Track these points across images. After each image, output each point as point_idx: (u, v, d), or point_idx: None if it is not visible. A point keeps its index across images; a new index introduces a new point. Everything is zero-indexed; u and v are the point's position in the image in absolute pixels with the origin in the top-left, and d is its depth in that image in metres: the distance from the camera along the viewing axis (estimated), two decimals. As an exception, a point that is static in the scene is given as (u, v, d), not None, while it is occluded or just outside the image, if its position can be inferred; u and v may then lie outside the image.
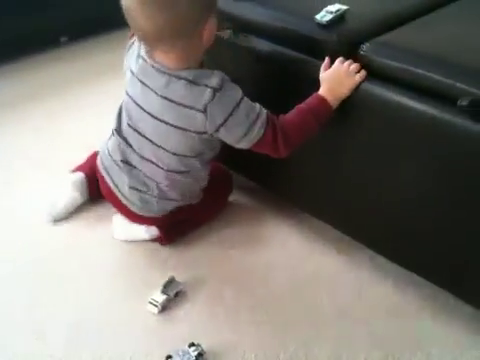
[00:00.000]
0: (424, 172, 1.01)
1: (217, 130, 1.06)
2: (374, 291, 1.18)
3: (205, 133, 1.08)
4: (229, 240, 1.30)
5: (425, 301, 1.14)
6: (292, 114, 1.09)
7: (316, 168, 1.20)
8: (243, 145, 1.09)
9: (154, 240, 1.27)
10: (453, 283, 1.07)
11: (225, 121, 1.05)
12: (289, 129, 1.08)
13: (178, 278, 1.16)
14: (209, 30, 1.04)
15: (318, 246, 1.29)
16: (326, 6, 1.11)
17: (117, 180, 1.22)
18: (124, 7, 1.00)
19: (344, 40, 1.06)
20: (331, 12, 1.08)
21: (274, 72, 1.16)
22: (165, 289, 1.13)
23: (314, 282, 1.20)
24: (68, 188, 1.33)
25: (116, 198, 1.24)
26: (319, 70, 1.08)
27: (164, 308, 1.12)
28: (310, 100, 1.08)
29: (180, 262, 1.24)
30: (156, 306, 1.11)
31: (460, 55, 1.00)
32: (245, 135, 1.06)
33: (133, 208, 1.23)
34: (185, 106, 1.05)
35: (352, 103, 1.06)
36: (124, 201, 1.23)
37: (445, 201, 1.00)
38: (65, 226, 1.34)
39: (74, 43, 2.23)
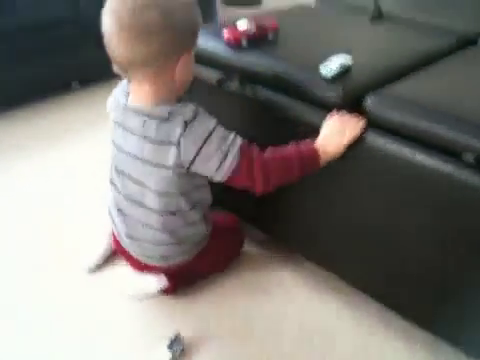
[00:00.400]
0: (425, 222, 1.00)
1: (192, 162, 1.04)
2: (382, 347, 1.16)
3: (182, 167, 1.06)
4: (236, 291, 1.29)
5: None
6: (279, 154, 1.07)
7: (319, 217, 1.20)
8: (220, 177, 1.06)
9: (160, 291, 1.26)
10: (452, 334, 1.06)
11: (198, 152, 1.03)
12: (270, 168, 1.06)
13: (184, 331, 1.14)
14: (183, 67, 1.03)
15: (326, 297, 1.27)
16: (331, 55, 1.12)
17: (120, 229, 1.23)
18: (103, 31, 1.00)
19: (348, 94, 1.07)
20: (336, 65, 1.09)
21: (279, 122, 1.17)
22: (171, 345, 1.11)
23: (322, 335, 1.18)
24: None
25: (123, 249, 1.24)
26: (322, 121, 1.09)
27: (170, 364, 1.10)
28: (303, 147, 1.07)
29: (186, 315, 1.22)
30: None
31: (463, 107, 1.01)
32: (220, 165, 1.04)
33: (137, 257, 1.23)
34: (161, 142, 1.04)
35: (355, 154, 1.06)
36: (129, 251, 1.23)
37: (447, 252, 0.99)
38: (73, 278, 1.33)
39: (85, 88, 2.29)
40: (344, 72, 1.10)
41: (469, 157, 0.86)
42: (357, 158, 1.06)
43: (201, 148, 1.03)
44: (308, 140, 1.08)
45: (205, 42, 1.29)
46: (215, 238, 1.26)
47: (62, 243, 1.42)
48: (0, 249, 1.41)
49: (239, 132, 1.26)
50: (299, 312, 1.24)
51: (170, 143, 1.03)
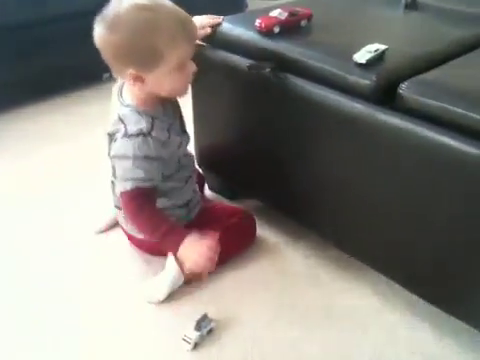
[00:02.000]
0: (458, 210, 0.99)
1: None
2: (411, 336, 1.15)
3: None
4: (260, 278, 1.29)
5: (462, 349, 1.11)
6: (153, 220, 1.18)
7: (351, 204, 1.19)
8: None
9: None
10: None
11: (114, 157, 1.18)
12: (135, 217, 1.18)
13: (211, 314, 1.15)
14: (154, 82, 1.10)
15: (355, 286, 1.27)
16: (365, 45, 1.11)
17: (112, 200, 1.33)
18: (95, 38, 1.08)
19: (383, 80, 1.05)
20: (370, 51, 1.09)
21: (311, 110, 1.17)
22: (198, 326, 1.12)
23: (349, 321, 1.18)
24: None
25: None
26: (355, 110, 1.07)
27: (197, 345, 1.11)
28: (174, 235, 1.17)
29: (212, 298, 1.23)
30: (189, 343, 1.10)
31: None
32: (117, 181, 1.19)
33: (124, 228, 1.33)
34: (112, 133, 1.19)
35: (390, 143, 1.05)
36: (119, 221, 1.35)
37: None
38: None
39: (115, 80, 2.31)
40: (378, 57, 1.09)
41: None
42: (392, 146, 1.05)
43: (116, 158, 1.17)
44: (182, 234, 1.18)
45: (236, 30, 1.29)
46: (220, 225, 1.28)
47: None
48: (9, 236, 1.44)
49: (270, 121, 1.27)
50: (326, 297, 1.24)
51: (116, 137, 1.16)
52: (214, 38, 1.33)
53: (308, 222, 1.33)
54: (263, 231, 1.43)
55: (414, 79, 1.05)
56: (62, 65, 2.14)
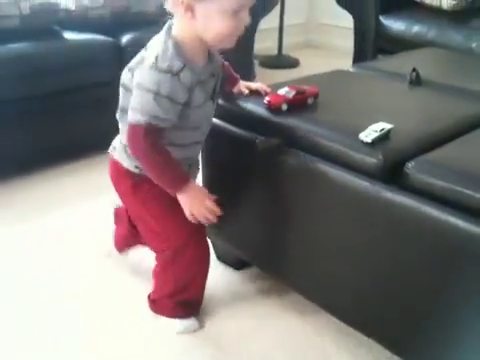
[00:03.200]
0: (466, 291, 0.98)
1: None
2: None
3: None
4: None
5: None
6: (163, 160, 1.13)
7: (357, 279, 1.18)
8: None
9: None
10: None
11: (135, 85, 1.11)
12: (145, 154, 1.12)
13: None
14: (203, 20, 1.06)
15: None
16: (371, 124, 1.14)
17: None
18: None
19: (389, 159, 1.07)
20: (376, 131, 1.11)
21: (318, 187, 1.18)
22: None
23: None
24: None
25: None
26: (362, 188, 1.09)
27: None
28: (179, 176, 1.15)
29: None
30: None
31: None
32: (130, 109, 1.11)
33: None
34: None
35: (397, 221, 1.05)
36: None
37: None
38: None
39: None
40: (384, 136, 1.12)
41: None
42: (401, 225, 1.05)
43: (137, 86, 1.11)
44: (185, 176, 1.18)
45: (246, 106, 1.33)
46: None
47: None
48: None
49: (277, 195, 1.28)
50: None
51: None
52: (226, 113, 1.37)
53: (312, 294, 1.32)
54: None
55: (420, 158, 1.07)
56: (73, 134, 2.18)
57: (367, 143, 1.10)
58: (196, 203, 1.17)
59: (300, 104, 1.28)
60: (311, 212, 1.22)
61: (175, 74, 1.07)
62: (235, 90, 1.37)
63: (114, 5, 2.21)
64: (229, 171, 1.41)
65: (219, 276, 1.52)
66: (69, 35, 2.11)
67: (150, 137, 1.09)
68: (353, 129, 1.15)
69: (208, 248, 1.32)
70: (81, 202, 1.92)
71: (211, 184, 1.48)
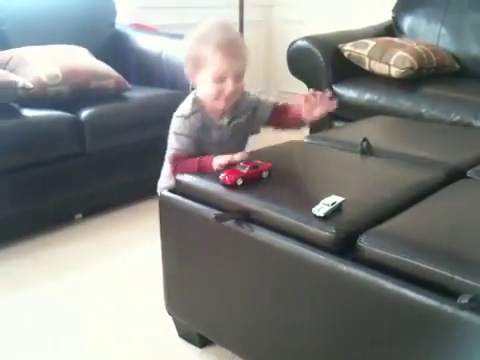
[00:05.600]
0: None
1: None
2: None
3: None
4: None
5: None
6: (186, 164, 1.43)
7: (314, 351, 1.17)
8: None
9: None
10: None
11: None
12: (179, 173, 1.41)
13: None
14: (199, 83, 1.45)
15: None
16: (323, 197, 1.17)
17: None
18: None
19: (342, 232, 1.09)
20: (327, 204, 1.14)
21: (275, 260, 1.19)
22: None
23: None
24: None
25: None
26: (317, 261, 1.10)
27: None
28: (204, 159, 1.41)
29: None
30: None
31: (457, 245, 1.03)
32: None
33: None
34: None
35: (351, 294, 1.06)
36: None
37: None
38: None
39: (88, 219, 2.33)
40: (336, 209, 1.14)
41: (464, 299, 0.86)
42: (355, 298, 1.06)
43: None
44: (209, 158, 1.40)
45: (202, 182, 1.34)
46: None
47: None
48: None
49: (234, 270, 1.28)
50: None
51: None
52: (181, 188, 1.38)
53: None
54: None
55: (373, 230, 1.10)
56: (33, 209, 2.16)
57: (320, 217, 1.12)
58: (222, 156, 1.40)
59: (255, 178, 1.30)
60: (267, 286, 1.22)
61: (186, 117, 1.44)
62: (303, 115, 1.49)
63: (73, 81, 2.24)
64: (188, 247, 1.41)
65: (181, 356, 1.49)
66: (28, 112, 2.12)
67: (175, 163, 1.46)
68: (307, 202, 1.17)
69: None
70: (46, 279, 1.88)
71: (168, 257, 1.47)
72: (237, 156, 1.35)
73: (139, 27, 3.04)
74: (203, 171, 1.40)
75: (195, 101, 1.47)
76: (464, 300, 0.86)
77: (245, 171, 1.29)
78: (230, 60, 1.38)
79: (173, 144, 1.47)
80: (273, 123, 1.60)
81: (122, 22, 3.01)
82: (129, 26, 3.01)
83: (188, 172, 1.40)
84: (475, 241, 1.06)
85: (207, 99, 1.45)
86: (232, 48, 1.39)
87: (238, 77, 1.42)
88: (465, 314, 0.88)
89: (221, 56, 1.38)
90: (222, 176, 1.30)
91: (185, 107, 1.47)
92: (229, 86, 1.40)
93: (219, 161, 1.37)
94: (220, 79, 1.40)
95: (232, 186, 1.28)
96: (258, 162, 1.32)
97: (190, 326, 1.49)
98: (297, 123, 1.57)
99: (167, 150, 1.52)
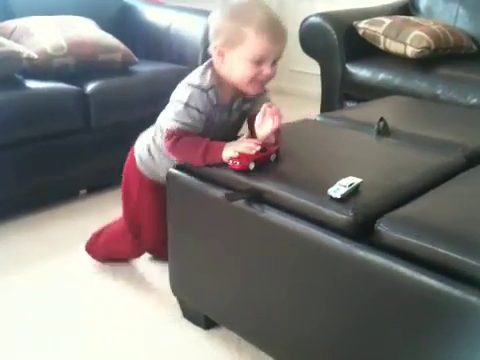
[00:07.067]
0: (430, 347, 0.95)
1: None
2: None
3: None
4: None
5: None
6: (190, 143, 1.29)
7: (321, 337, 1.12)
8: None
9: None
10: None
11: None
12: (177, 150, 1.31)
13: None
14: (228, 63, 1.28)
15: None
16: (339, 177, 1.11)
17: None
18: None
19: (360, 215, 1.04)
20: (344, 186, 1.08)
21: (287, 243, 1.14)
22: None
23: None
24: None
25: None
26: (332, 245, 1.05)
27: None
28: (213, 144, 1.27)
29: None
30: None
31: (469, 230, 0.99)
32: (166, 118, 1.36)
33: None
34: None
35: (368, 279, 1.01)
36: None
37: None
38: None
39: (92, 195, 2.29)
40: (353, 191, 1.08)
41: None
42: (373, 283, 1.01)
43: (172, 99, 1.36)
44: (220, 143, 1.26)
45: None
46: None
47: None
48: None
49: (245, 253, 1.23)
50: None
51: None
52: (191, 168, 1.32)
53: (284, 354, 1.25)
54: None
55: (391, 214, 1.04)
56: (38, 184, 2.11)
57: (336, 199, 1.06)
58: (234, 145, 1.25)
59: (264, 162, 1.24)
60: (278, 270, 1.17)
61: (205, 90, 1.29)
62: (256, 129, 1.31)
63: (79, 53, 2.18)
64: (196, 228, 1.36)
65: (186, 338, 1.45)
66: (32, 84, 2.06)
67: (178, 136, 1.30)
68: (322, 184, 1.12)
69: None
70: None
71: (175, 236, 1.42)
72: (250, 145, 1.22)
73: (149, 0, 2.95)
74: (207, 158, 1.26)
75: (213, 74, 1.32)
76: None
77: (254, 153, 1.22)
78: (272, 43, 1.25)
79: (181, 116, 1.29)
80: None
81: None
82: (138, -1, 2.93)
83: (188, 155, 1.29)
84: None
85: (240, 81, 1.29)
86: (276, 30, 1.27)
87: (276, 60, 1.31)
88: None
89: (264, 38, 1.24)
90: (231, 162, 1.22)
91: (203, 78, 1.31)
92: (267, 69, 1.28)
93: (230, 154, 1.22)
94: (259, 62, 1.26)
95: (244, 171, 1.21)
96: (265, 144, 1.25)
97: (196, 307, 1.45)
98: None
99: (164, 119, 1.38)
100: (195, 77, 1.32)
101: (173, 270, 1.45)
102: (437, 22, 2.64)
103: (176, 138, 1.30)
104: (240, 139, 1.30)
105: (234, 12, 1.28)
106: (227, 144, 1.26)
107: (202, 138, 1.29)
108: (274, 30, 1.26)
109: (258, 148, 1.22)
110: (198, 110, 1.29)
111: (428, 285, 0.93)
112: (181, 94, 1.31)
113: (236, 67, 1.28)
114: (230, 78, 1.31)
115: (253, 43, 1.24)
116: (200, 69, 1.35)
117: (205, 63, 1.36)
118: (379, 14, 2.73)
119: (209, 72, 1.32)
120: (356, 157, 1.32)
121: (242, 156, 1.22)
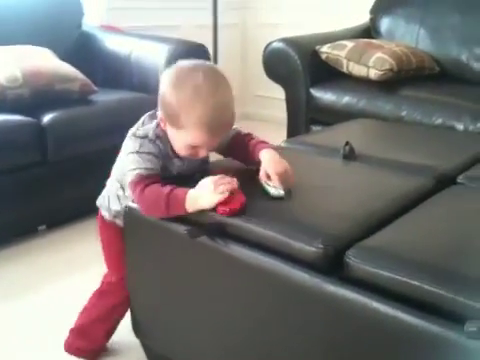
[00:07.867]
0: None
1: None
2: None
3: None
4: None
5: None
6: (154, 192, 1.19)
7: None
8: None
9: None
10: None
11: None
12: (141, 200, 1.21)
13: None
14: (170, 133, 1.22)
15: None
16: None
17: None
18: None
19: (330, 247, 0.98)
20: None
21: (253, 281, 1.07)
22: None
23: None
24: None
25: None
26: (302, 281, 0.98)
27: None
28: (177, 191, 1.16)
29: None
30: None
31: (453, 260, 0.94)
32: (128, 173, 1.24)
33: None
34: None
35: (339, 314, 0.94)
36: None
37: None
38: None
39: (52, 231, 2.18)
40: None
41: (471, 327, 0.75)
42: (345, 321, 0.95)
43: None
44: (183, 189, 1.15)
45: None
46: None
47: None
48: None
49: (211, 289, 1.16)
50: None
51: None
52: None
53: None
54: None
55: (361, 244, 0.99)
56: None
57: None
58: (205, 193, 1.14)
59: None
60: (246, 307, 1.10)
61: (151, 140, 1.24)
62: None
63: (34, 83, 2.09)
64: (155, 262, 1.28)
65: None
66: (-15, 116, 1.96)
67: (142, 184, 1.20)
68: (288, 214, 1.07)
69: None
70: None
71: (135, 275, 1.33)
72: (226, 180, 1.13)
73: (109, 29, 2.90)
74: (171, 208, 1.16)
75: (159, 126, 1.25)
76: (472, 328, 0.75)
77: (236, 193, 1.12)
78: (212, 136, 1.17)
79: (138, 164, 1.21)
80: (226, 153, 1.36)
81: (91, 24, 2.87)
82: (97, 27, 2.87)
83: (154, 204, 1.18)
84: (473, 256, 0.96)
85: (178, 150, 1.24)
86: (217, 123, 1.16)
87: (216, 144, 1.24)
88: (472, 343, 0.77)
89: (203, 131, 1.15)
90: (222, 209, 1.11)
91: (147, 129, 1.25)
92: (203, 153, 1.22)
93: (214, 200, 1.11)
94: (195, 147, 1.20)
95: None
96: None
97: (160, 351, 1.36)
98: (247, 162, 1.33)
99: (122, 175, 1.29)
100: (139, 128, 1.27)
101: (134, 311, 1.36)
102: (399, 44, 2.66)
103: (143, 185, 1.19)
104: (206, 180, 1.16)
105: (177, 89, 1.17)
106: (197, 190, 1.14)
107: (164, 189, 1.17)
108: (215, 122, 1.15)
109: (235, 181, 1.13)
110: (153, 154, 1.22)
111: (403, 321, 0.87)
112: (130, 145, 1.25)
113: (174, 140, 1.23)
114: (175, 143, 1.24)
115: (190, 135, 1.17)
116: (145, 119, 1.30)
117: (149, 113, 1.31)
118: (341, 38, 2.73)
119: (154, 123, 1.26)
120: (323, 185, 1.26)
121: (229, 200, 1.11)
